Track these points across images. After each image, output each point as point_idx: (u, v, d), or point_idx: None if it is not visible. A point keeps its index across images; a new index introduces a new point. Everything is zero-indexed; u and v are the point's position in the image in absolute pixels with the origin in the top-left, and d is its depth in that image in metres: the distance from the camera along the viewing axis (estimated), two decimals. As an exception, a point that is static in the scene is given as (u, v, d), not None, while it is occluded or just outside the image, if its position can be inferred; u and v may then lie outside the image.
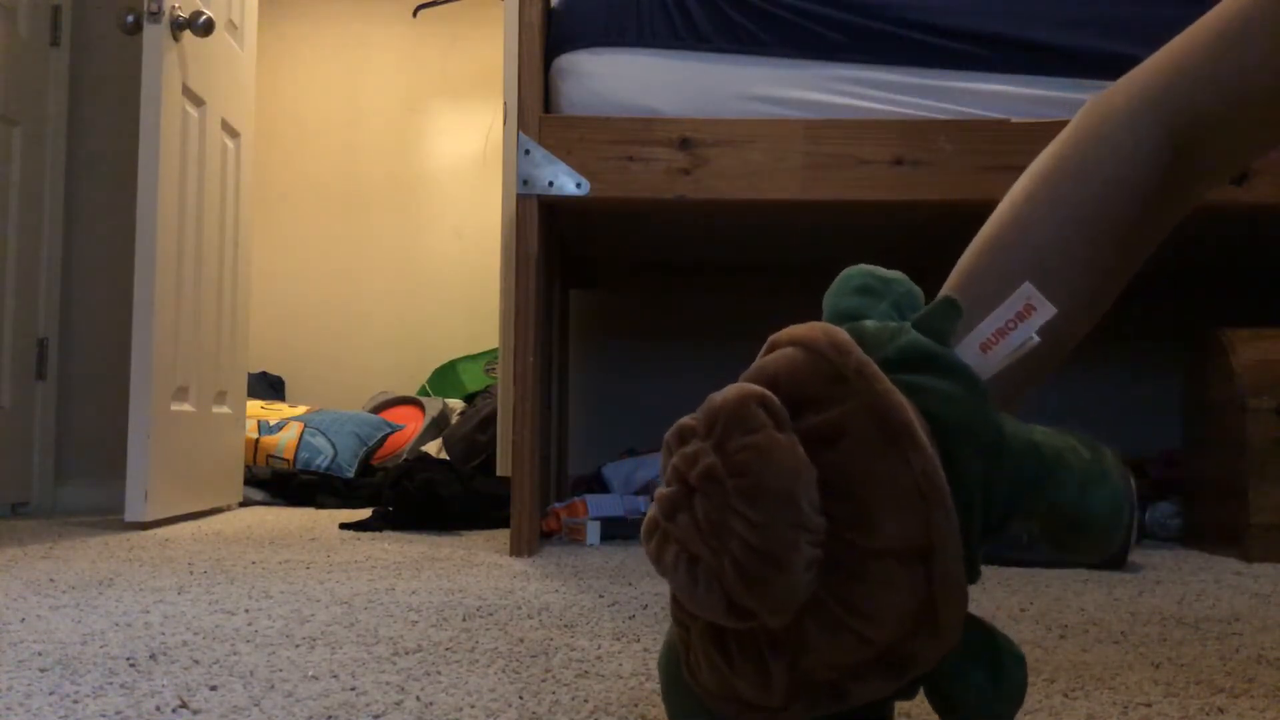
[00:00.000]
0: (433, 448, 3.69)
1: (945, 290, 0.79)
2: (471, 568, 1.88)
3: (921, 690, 0.72)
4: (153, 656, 1.12)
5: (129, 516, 2.52)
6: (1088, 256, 0.78)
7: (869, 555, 0.63)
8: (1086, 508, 0.69)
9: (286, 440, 3.62)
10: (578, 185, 2.13)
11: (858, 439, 0.64)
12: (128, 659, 1.11)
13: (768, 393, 0.65)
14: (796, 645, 0.65)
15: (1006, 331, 0.71)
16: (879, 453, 0.64)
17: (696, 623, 0.69)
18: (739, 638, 0.67)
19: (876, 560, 0.63)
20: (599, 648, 1.20)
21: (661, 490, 0.67)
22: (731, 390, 0.65)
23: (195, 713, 0.90)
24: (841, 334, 0.67)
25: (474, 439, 3.57)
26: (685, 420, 0.67)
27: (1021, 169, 2.40)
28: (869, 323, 0.73)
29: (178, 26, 2.67)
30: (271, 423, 3.70)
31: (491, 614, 1.41)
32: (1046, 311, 0.71)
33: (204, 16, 2.72)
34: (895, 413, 0.64)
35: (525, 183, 2.13)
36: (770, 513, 0.61)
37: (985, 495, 0.68)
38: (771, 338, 0.71)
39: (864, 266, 0.78)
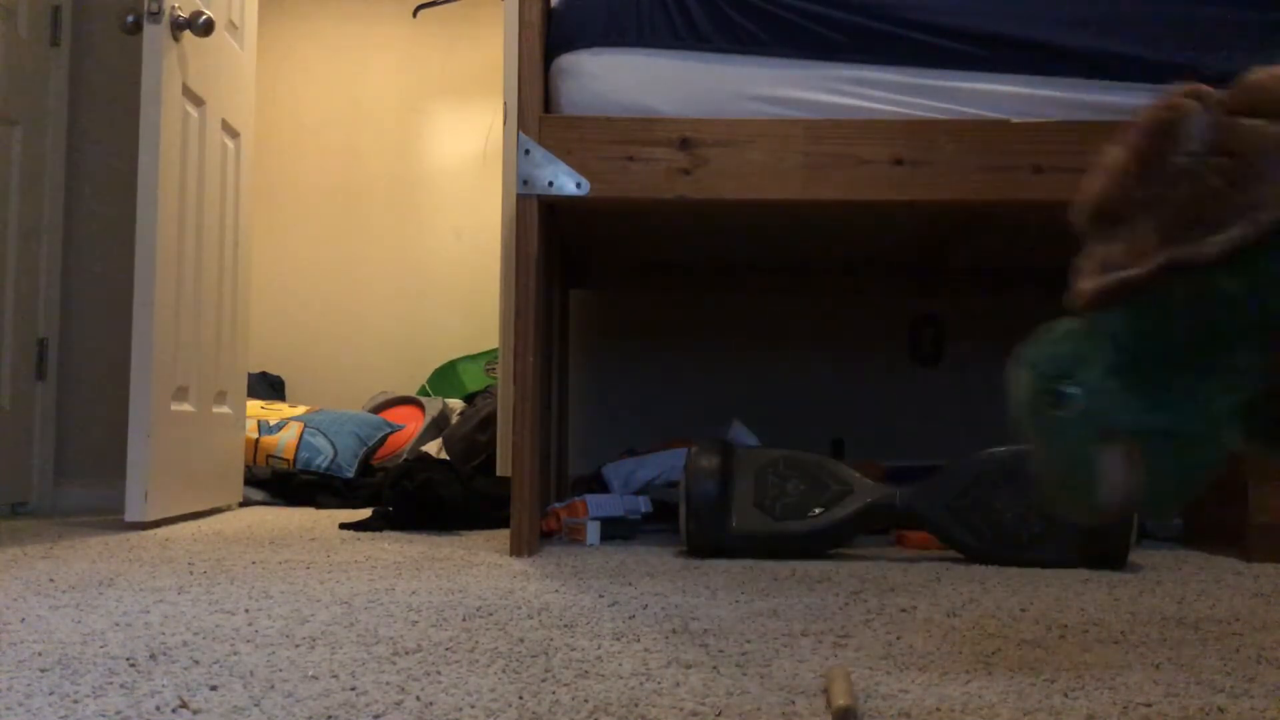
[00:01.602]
0: (433, 448, 3.68)
1: None
2: (471, 568, 1.89)
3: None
4: (153, 656, 1.12)
5: (129, 516, 2.52)
6: None
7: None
8: None
9: (286, 440, 3.62)
10: (578, 185, 2.13)
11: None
12: (128, 659, 1.11)
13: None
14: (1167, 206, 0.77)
15: None
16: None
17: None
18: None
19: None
20: (599, 648, 1.20)
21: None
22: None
23: (195, 713, 0.90)
24: None
25: (474, 439, 3.57)
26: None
27: (1021, 169, 2.39)
28: None
29: (178, 26, 2.67)
30: (271, 423, 3.70)
31: (491, 614, 1.41)
32: None
33: (204, 16, 2.72)
34: None
35: (525, 183, 2.13)
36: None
37: None
38: None
39: None
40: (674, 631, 1.30)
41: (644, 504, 2.43)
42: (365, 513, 3.00)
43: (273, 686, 1.00)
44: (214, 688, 0.99)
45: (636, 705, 0.95)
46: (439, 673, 1.06)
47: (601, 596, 1.57)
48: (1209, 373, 0.76)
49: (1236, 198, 0.75)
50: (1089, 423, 0.79)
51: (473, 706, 0.93)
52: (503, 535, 2.44)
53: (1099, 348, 0.78)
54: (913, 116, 2.16)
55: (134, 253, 2.59)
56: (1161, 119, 0.80)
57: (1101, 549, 1.98)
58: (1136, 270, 0.75)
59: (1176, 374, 0.76)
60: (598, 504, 2.38)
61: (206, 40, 2.84)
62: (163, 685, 1.00)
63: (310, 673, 1.05)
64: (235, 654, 1.14)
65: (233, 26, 3.12)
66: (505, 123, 3.05)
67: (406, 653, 1.16)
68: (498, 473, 3.16)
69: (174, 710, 0.91)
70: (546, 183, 2.13)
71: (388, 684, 1.01)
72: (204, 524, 2.68)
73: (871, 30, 2.17)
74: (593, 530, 2.31)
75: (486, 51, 4.81)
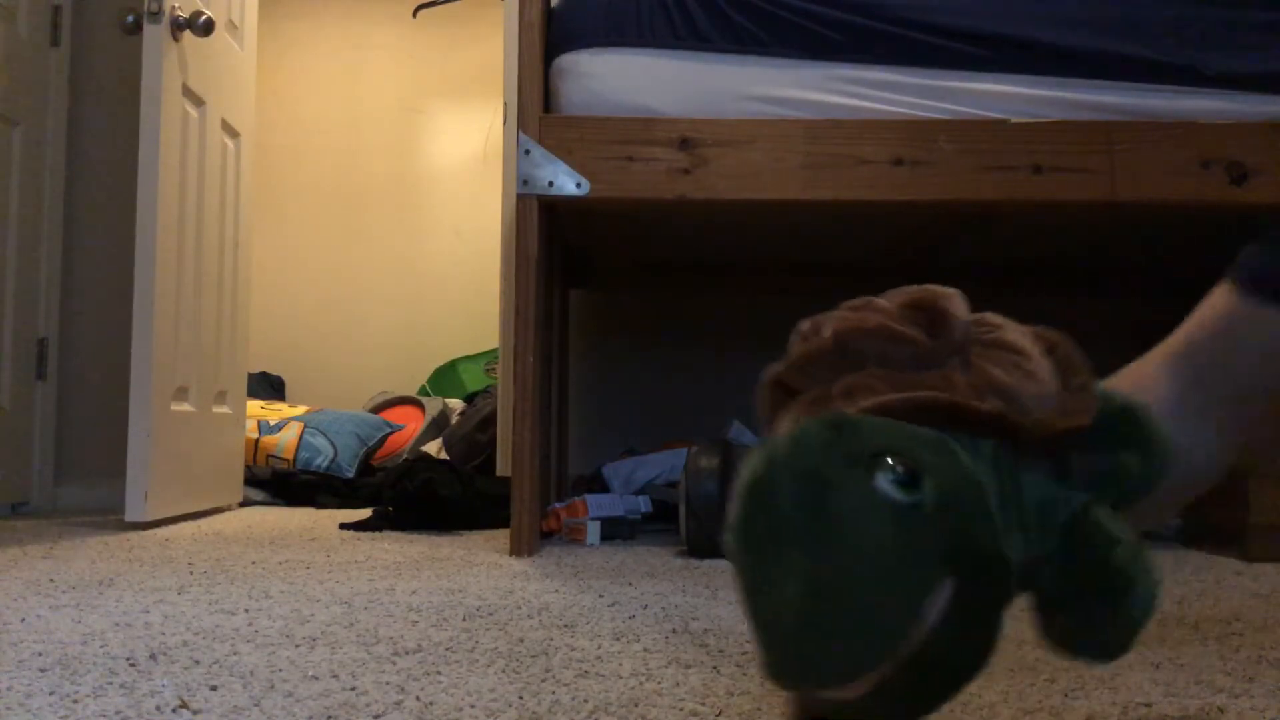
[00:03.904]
0: (433, 448, 3.68)
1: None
2: (471, 568, 1.89)
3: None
4: (153, 656, 1.12)
5: (129, 516, 2.52)
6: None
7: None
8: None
9: (286, 440, 3.62)
10: (578, 185, 2.13)
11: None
12: (128, 659, 1.11)
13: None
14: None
15: None
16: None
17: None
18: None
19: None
20: (599, 648, 1.20)
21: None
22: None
23: (195, 713, 0.90)
24: None
25: (474, 439, 3.57)
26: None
27: (1021, 169, 2.38)
28: None
29: (178, 26, 2.67)
30: (271, 423, 3.70)
31: (491, 614, 1.41)
32: None
33: (204, 16, 2.72)
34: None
35: (525, 183, 2.13)
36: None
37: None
38: None
39: None
40: (674, 631, 1.30)
41: (644, 504, 2.43)
42: (365, 513, 3.00)
43: (273, 686, 1.00)
44: (214, 688, 0.99)
45: (636, 705, 0.95)
46: (439, 673, 1.06)
47: (601, 596, 1.57)
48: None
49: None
50: (941, 536, 0.60)
51: (473, 706, 0.93)
52: (503, 535, 2.44)
53: (957, 452, 0.63)
54: (913, 116, 2.16)
55: (134, 253, 2.59)
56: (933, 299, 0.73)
57: (1101, 549, 1.98)
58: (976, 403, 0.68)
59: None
60: (598, 504, 2.38)
61: (206, 40, 2.84)
62: (163, 685, 1.00)
63: (310, 673, 1.05)
64: (235, 654, 1.14)
65: (233, 26, 3.12)
66: (505, 123, 3.05)
67: (406, 653, 1.16)
68: (498, 473, 3.16)
69: (174, 710, 0.91)
70: (546, 183, 2.13)
71: (388, 684, 1.01)
72: (204, 524, 2.68)
73: (871, 30, 2.17)
74: (593, 530, 2.31)
75: (486, 51, 4.81)
